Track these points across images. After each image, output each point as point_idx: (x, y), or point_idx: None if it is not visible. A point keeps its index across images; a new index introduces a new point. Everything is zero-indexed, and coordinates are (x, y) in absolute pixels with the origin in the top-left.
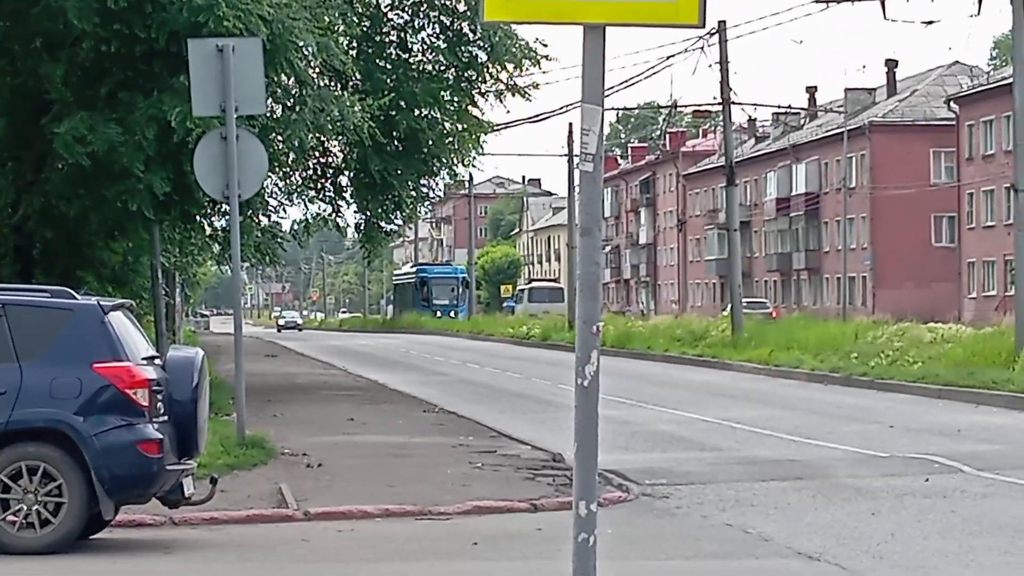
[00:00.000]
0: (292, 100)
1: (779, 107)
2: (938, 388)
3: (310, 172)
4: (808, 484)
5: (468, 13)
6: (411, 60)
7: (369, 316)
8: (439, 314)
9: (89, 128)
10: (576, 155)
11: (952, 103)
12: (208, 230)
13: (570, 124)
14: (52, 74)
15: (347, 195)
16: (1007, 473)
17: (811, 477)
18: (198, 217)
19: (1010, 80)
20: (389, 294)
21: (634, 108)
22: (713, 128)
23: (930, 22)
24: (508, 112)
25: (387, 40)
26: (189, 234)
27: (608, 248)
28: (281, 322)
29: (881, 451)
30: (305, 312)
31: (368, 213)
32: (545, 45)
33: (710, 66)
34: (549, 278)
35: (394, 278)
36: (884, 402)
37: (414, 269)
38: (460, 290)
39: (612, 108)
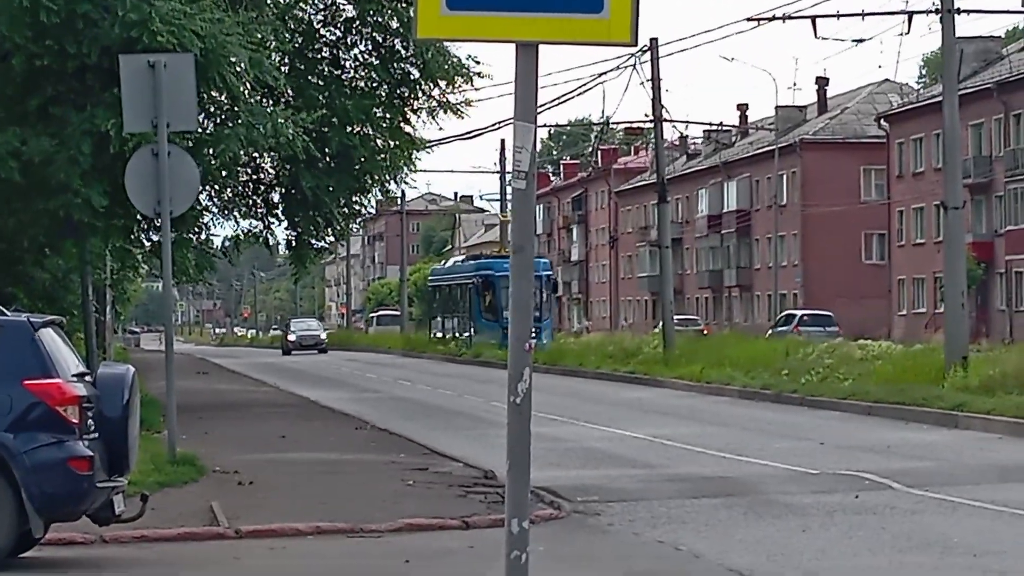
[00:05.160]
0: (224, 115)
1: (711, 124)
2: (868, 405)
3: (241, 188)
4: (739, 501)
5: (401, 30)
6: (343, 77)
7: None
8: None
9: (21, 142)
10: (509, 172)
11: (882, 121)
12: (148, 245)
13: (502, 141)
14: None
15: (278, 212)
16: (936, 490)
17: (742, 494)
18: (136, 231)
19: (939, 98)
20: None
21: (566, 125)
22: (645, 145)
23: (860, 40)
24: (441, 129)
25: (319, 56)
26: (129, 248)
27: None
28: (292, 338)
29: (812, 468)
30: (237, 329)
31: (299, 230)
32: (477, 62)
33: (642, 84)
34: (391, 307)
35: (431, 279)
36: (814, 419)
37: (470, 264)
38: (546, 296)
39: (544, 125)
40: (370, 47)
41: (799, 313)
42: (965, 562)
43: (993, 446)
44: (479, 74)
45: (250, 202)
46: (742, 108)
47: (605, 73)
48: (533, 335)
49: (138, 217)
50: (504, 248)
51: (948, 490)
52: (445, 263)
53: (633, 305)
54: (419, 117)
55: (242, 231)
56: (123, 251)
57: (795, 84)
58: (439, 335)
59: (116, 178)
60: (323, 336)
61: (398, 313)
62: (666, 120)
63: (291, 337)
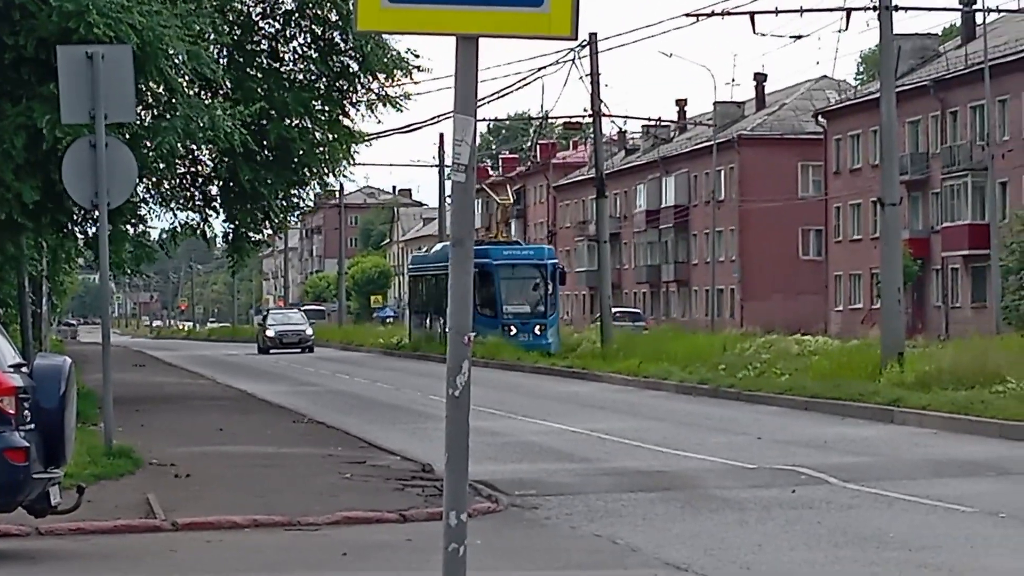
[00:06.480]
0: (162, 108)
1: (649, 120)
2: (805, 400)
3: (179, 181)
4: (676, 495)
5: (340, 23)
6: (282, 69)
7: (239, 326)
8: (514, 332)
9: None
10: (448, 165)
11: (820, 117)
12: (82, 238)
13: (441, 135)
14: None
15: (216, 204)
16: (872, 484)
17: (679, 488)
18: (70, 225)
19: (877, 95)
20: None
21: (505, 119)
22: (584, 140)
23: (798, 36)
24: (379, 122)
25: (258, 49)
26: (62, 242)
27: None
28: (270, 334)
29: (749, 462)
30: (179, 322)
31: (237, 223)
32: (417, 55)
33: (581, 78)
34: (315, 302)
35: (412, 267)
36: (752, 414)
37: None
38: (551, 288)
39: (483, 119)
40: (309, 40)
41: (614, 310)
42: (901, 556)
43: (928, 441)
44: (418, 68)
45: (188, 194)
46: (681, 103)
47: (544, 67)
48: (538, 333)
49: (73, 210)
50: (501, 234)
51: (884, 485)
52: (429, 249)
53: (571, 300)
54: (358, 110)
55: (179, 223)
56: (57, 243)
57: (733, 80)
58: (428, 329)
59: (49, 174)
60: (309, 331)
61: (322, 307)
62: (605, 115)
63: (269, 333)
